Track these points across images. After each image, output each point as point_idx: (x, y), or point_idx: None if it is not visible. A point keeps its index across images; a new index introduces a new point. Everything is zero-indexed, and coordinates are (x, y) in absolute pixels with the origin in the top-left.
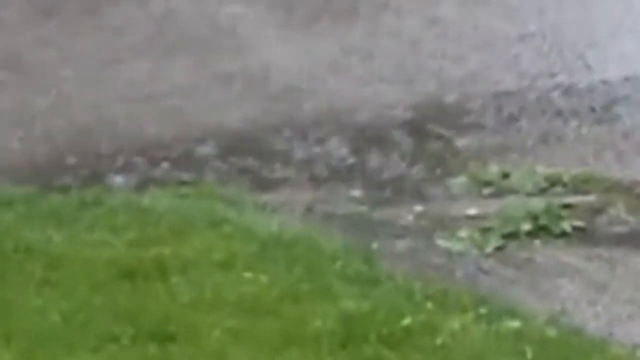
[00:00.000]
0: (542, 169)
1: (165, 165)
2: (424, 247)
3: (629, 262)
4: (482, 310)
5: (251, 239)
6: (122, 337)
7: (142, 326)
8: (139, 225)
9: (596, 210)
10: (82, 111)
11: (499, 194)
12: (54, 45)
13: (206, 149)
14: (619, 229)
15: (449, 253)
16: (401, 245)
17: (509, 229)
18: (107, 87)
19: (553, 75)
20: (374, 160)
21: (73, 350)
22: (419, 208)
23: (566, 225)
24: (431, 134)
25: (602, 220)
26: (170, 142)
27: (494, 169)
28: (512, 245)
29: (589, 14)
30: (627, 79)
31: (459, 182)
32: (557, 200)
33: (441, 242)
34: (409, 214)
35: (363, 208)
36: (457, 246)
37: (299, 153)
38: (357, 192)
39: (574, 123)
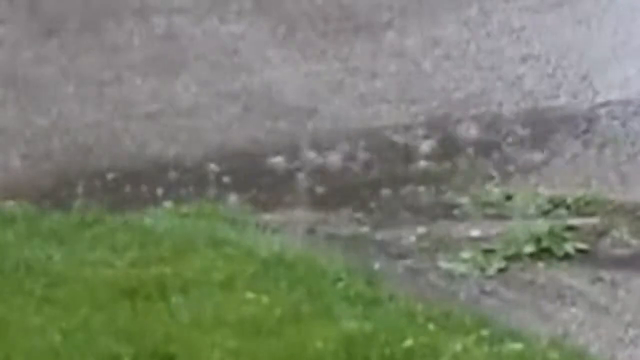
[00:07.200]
0: (545, 191)
1: (166, 184)
2: (426, 268)
3: (631, 285)
4: (485, 333)
5: (252, 259)
6: (123, 357)
7: (142, 346)
8: (139, 244)
9: (599, 233)
10: (83, 129)
11: (501, 215)
12: (55, 63)
13: (208, 169)
14: (622, 251)
15: (451, 274)
16: (403, 266)
17: (511, 251)
18: (108, 105)
19: (556, 96)
20: (376, 180)
21: None
22: (421, 229)
23: (569, 248)
24: (434, 154)
25: (605, 242)
26: (172, 161)
27: (496, 191)
28: (515, 267)
29: (593, 35)
30: (630, 101)
31: (461, 203)
32: (560, 223)
33: (443, 264)
34: (411, 235)
35: (365, 229)
36: (459, 268)
37: (301, 173)
38: (359, 213)
39: (577, 145)
